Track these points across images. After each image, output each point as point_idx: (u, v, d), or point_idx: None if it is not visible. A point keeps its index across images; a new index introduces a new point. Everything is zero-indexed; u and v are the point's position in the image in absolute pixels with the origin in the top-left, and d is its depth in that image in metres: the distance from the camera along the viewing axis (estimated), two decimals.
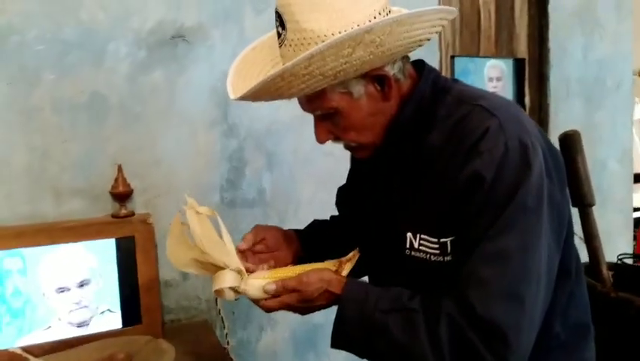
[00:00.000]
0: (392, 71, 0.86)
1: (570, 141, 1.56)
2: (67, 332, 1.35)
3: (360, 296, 0.85)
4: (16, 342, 1.30)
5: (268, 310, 0.91)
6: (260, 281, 0.90)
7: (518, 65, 2.47)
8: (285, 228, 1.13)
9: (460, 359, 0.76)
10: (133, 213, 1.48)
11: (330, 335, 0.89)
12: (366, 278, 1.05)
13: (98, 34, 1.48)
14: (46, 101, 1.43)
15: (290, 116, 1.72)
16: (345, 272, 0.95)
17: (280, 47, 0.85)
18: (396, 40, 0.78)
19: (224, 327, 1.29)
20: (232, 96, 0.89)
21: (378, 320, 0.82)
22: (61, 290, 1.35)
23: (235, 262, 0.91)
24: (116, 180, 1.46)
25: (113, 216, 1.46)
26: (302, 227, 1.19)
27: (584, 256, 1.41)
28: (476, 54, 2.33)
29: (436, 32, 0.87)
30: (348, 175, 1.19)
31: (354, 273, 1.00)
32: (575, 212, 1.26)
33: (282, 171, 1.78)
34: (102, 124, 1.50)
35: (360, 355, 0.90)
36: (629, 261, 1.73)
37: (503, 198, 0.78)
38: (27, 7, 1.39)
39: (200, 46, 1.61)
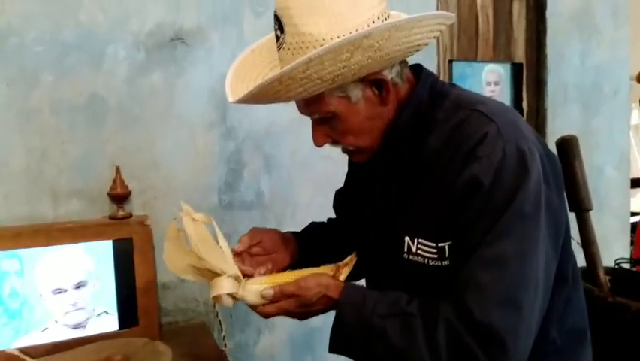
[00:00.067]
0: (390, 75, 0.86)
1: (568, 146, 1.57)
2: (63, 333, 1.35)
3: (358, 301, 0.85)
4: (12, 343, 1.30)
5: (266, 316, 0.91)
6: (257, 287, 0.90)
7: (516, 70, 2.48)
8: (283, 231, 1.13)
9: None
10: (131, 215, 1.48)
11: (327, 339, 0.89)
12: (363, 282, 1.05)
13: (97, 36, 1.48)
14: (45, 103, 1.43)
15: (288, 119, 1.72)
16: (342, 277, 0.96)
17: (279, 50, 0.85)
18: (394, 45, 0.78)
19: (221, 330, 1.30)
20: (230, 99, 0.89)
21: (376, 324, 0.82)
22: (58, 291, 1.35)
23: (232, 268, 0.91)
24: (114, 181, 1.46)
25: (111, 217, 1.46)
26: (299, 230, 1.19)
27: (581, 261, 1.42)
28: (474, 58, 2.34)
29: (434, 37, 0.88)
30: (346, 178, 1.19)
31: (351, 276, 1.00)
32: (572, 217, 1.26)
33: (280, 174, 1.78)
34: (101, 126, 1.50)
35: (357, 359, 0.90)
36: (627, 266, 1.74)
37: (501, 204, 0.78)
38: (26, 8, 1.39)
39: (199, 48, 1.62)
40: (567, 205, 0.95)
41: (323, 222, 1.23)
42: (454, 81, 2.26)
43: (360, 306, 0.84)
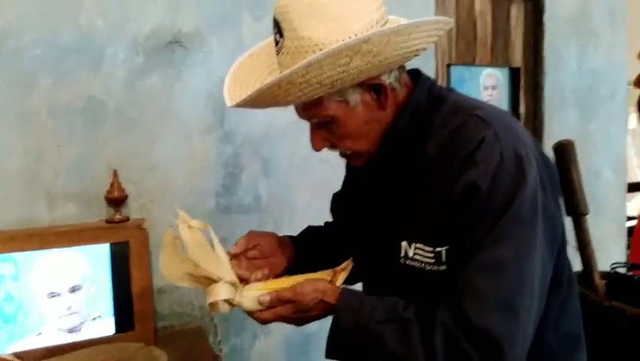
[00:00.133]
0: (388, 80, 0.86)
1: (564, 150, 1.57)
2: (58, 338, 1.34)
3: (355, 306, 0.85)
4: (7, 348, 1.29)
5: (263, 322, 0.90)
6: (254, 293, 0.90)
7: (514, 74, 2.49)
8: (281, 234, 1.13)
9: None
10: (127, 219, 1.47)
11: (323, 343, 0.89)
12: (360, 286, 1.05)
13: (96, 38, 1.48)
14: (42, 105, 1.43)
15: (286, 122, 1.72)
16: (339, 282, 0.95)
17: (277, 54, 0.85)
18: (393, 50, 0.78)
19: (217, 334, 1.29)
20: (229, 103, 0.89)
21: (374, 329, 0.81)
22: (52, 295, 1.35)
23: (229, 274, 0.91)
24: (112, 185, 1.45)
25: (108, 221, 1.46)
26: (297, 234, 1.19)
27: (577, 265, 1.42)
28: (472, 63, 2.35)
29: (433, 42, 0.88)
30: (344, 182, 1.19)
31: (348, 281, 1.00)
32: (568, 221, 1.26)
33: (278, 178, 1.78)
34: (98, 129, 1.50)
35: None
36: (622, 270, 1.74)
37: (499, 209, 0.78)
38: (24, 10, 1.39)
39: (198, 52, 1.62)
40: (563, 210, 0.95)
41: (320, 226, 1.23)
42: (452, 85, 2.27)
43: (357, 312, 0.84)
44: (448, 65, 2.28)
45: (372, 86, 0.85)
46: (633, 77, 1.84)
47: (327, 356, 0.88)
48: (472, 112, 0.86)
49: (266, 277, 0.96)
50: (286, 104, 0.84)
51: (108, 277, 1.40)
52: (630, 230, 2.85)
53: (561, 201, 0.92)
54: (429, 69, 2.11)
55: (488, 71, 2.40)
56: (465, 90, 2.32)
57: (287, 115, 0.99)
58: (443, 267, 0.85)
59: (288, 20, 0.80)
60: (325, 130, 0.89)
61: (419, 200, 0.87)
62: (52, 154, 1.45)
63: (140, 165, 1.55)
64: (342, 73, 0.77)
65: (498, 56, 2.42)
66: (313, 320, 0.90)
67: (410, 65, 0.92)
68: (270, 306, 0.88)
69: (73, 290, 1.37)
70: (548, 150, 1.32)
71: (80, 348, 1.31)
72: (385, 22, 0.83)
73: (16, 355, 1.28)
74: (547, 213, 0.82)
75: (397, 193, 0.92)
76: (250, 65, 0.97)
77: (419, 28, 0.80)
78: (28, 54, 1.40)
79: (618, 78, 2.75)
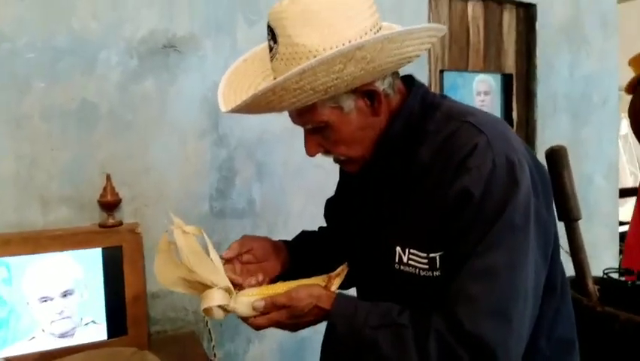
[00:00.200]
0: (382, 86, 0.87)
1: (557, 156, 1.58)
2: (51, 343, 1.34)
3: (350, 312, 0.85)
4: None
5: (257, 327, 0.90)
6: (248, 299, 0.90)
7: (506, 80, 2.50)
8: (275, 239, 1.13)
9: None
10: (121, 223, 1.47)
11: (317, 349, 0.89)
12: (354, 291, 1.05)
13: (90, 42, 1.48)
14: (36, 109, 1.42)
15: (280, 127, 1.72)
16: (334, 287, 0.96)
17: (272, 60, 0.85)
18: (386, 56, 0.79)
19: (211, 339, 1.29)
20: (223, 109, 0.89)
21: (368, 335, 0.82)
22: (44, 300, 1.34)
23: (223, 280, 0.91)
24: (105, 189, 1.45)
25: (101, 225, 1.45)
26: (291, 238, 1.19)
27: (570, 270, 1.43)
28: (465, 69, 2.36)
29: (426, 49, 0.88)
30: (337, 187, 1.19)
31: (342, 286, 1.00)
32: (561, 226, 1.27)
33: (272, 182, 1.78)
34: (92, 132, 1.49)
35: None
36: (615, 275, 1.74)
37: (491, 215, 0.78)
38: (18, 14, 1.39)
39: (192, 56, 1.62)
40: (556, 216, 0.95)
41: (314, 231, 1.23)
42: (446, 91, 2.28)
43: (351, 317, 0.84)
44: (441, 71, 2.29)
45: (366, 93, 0.86)
46: (625, 83, 1.85)
47: None
48: (464, 119, 0.86)
49: (260, 283, 0.96)
50: (280, 110, 0.84)
51: (101, 281, 1.39)
52: (623, 235, 2.87)
53: (553, 207, 0.93)
54: (422, 75, 2.13)
55: (481, 76, 2.42)
56: (458, 96, 2.35)
57: (281, 120, 0.99)
58: (437, 272, 0.85)
59: (282, 27, 0.80)
60: (319, 136, 0.89)
61: (413, 206, 0.88)
62: (46, 158, 1.44)
63: (133, 169, 1.55)
64: (336, 79, 0.77)
65: (490, 63, 2.44)
66: (308, 326, 0.90)
67: (404, 70, 0.93)
68: (265, 312, 0.88)
69: (65, 295, 1.36)
70: (541, 156, 1.33)
71: (73, 353, 1.30)
72: (379, 29, 0.84)
73: (8, 360, 1.27)
74: (540, 219, 0.83)
75: (391, 199, 0.92)
76: (244, 71, 0.97)
77: (412, 36, 0.81)
78: (21, 57, 1.40)
79: (610, 84, 2.78)
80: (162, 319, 1.61)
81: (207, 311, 0.91)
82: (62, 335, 1.36)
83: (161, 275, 0.95)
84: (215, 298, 0.90)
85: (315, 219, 1.25)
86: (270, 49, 0.85)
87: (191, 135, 1.64)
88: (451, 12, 2.29)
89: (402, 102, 0.91)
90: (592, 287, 1.61)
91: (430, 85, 2.23)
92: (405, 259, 0.88)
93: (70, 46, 1.45)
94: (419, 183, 0.87)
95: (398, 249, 0.89)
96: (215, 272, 0.91)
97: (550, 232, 0.88)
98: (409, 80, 0.95)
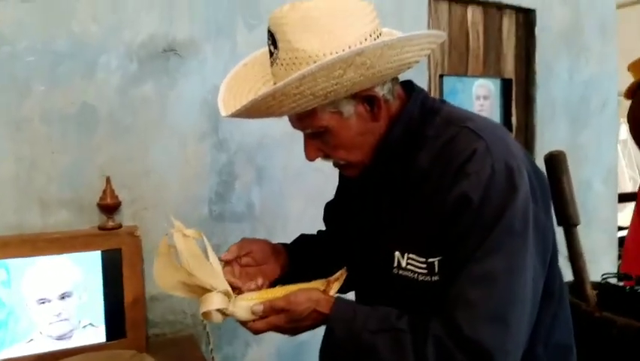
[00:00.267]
0: (382, 91, 0.87)
1: (555, 161, 1.58)
2: (49, 345, 1.34)
3: (349, 316, 0.85)
4: None
5: (256, 332, 0.90)
6: (247, 303, 0.90)
7: (505, 85, 2.51)
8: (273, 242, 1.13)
9: None
10: (120, 226, 1.47)
11: (316, 353, 0.89)
12: (352, 295, 1.06)
13: (90, 46, 1.48)
14: (36, 112, 1.43)
15: (280, 131, 1.73)
16: (332, 292, 0.96)
17: (272, 65, 0.86)
18: (386, 62, 0.79)
19: (209, 342, 1.29)
20: (223, 113, 0.89)
21: (366, 340, 0.82)
22: (42, 302, 1.34)
23: (222, 284, 0.91)
24: (104, 191, 1.45)
25: (100, 228, 1.45)
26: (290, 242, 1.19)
27: (568, 275, 1.43)
28: (464, 74, 2.37)
29: (425, 55, 0.89)
30: (336, 191, 1.19)
31: (340, 290, 1.00)
32: (559, 231, 1.27)
33: (271, 186, 1.78)
34: (92, 135, 1.50)
35: None
36: (614, 280, 1.75)
37: (490, 221, 0.79)
38: (19, 17, 1.39)
39: (192, 60, 1.62)
40: (554, 221, 0.96)
41: (313, 235, 1.23)
42: (445, 95, 2.28)
43: (350, 321, 0.84)
44: (441, 76, 2.30)
45: (366, 98, 0.86)
46: (624, 88, 1.86)
47: None
48: (463, 124, 0.87)
49: (260, 288, 0.96)
50: (280, 114, 0.85)
51: (100, 284, 1.39)
52: (621, 240, 2.88)
53: (552, 212, 0.93)
54: (422, 79, 2.13)
55: (480, 81, 2.43)
56: (457, 100, 2.35)
57: (281, 124, 1.00)
58: (436, 277, 0.85)
59: (283, 32, 0.81)
60: (319, 140, 0.90)
61: (412, 211, 0.88)
62: (46, 160, 1.44)
63: (133, 172, 1.55)
64: (336, 85, 0.78)
65: (490, 68, 2.45)
66: (306, 330, 0.90)
67: (404, 75, 0.94)
68: (264, 316, 0.89)
69: (63, 297, 1.36)
70: (540, 161, 1.33)
71: (71, 355, 1.31)
72: (379, 35, 0.84)
73: None
74: (539, 225, 0.83)
75: (390, 204, 0.93)
76: (244, 75, 0.97)
77: (412, 42, 0.81)
78: (22, 61, 1.40)
79: (609, 89, 2.78)
80: (161, 322, 1.61)
81: (206, 315, 0.91)
82: (60, 338, 1.35)
83: (161, 279, 0.95)
84: (214, 301, 0.90)
85: (314, 223, 1.25)
86: (271, 54, 0.85)
87: (191, 139, 1.64)
88: (450, 17, 2.30)
89: (401, 107, 0.92)
90: (590, 292, 1.61)
91: (430, 89, 2.24)
92: (403, 264, 0.89)
93: (70, 49, 1.46)
94: (418, 188, 0.87)
95: (397, 254, 0.90)
96: (215, 276, 0.91)
97: (548, 238, 0.88)
98: (408, 86, 0.95)
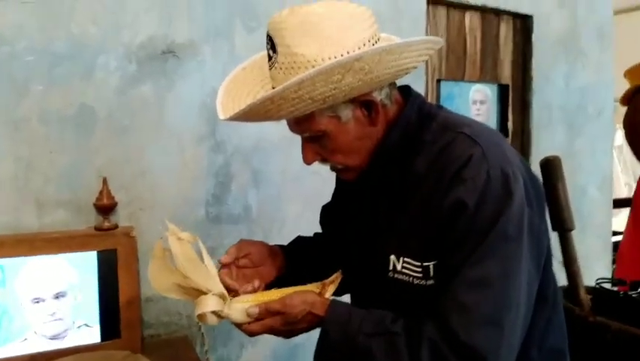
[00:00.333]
0: (379, 96, 0.88)
1: (551, 167, 1.59)
2: (43, 344, 1.33)
3: (344, 318, 0.85)
4: None
5: (251, 334, 0.90)
6: (242, 305, 0.90)
7: (502, 91, 2.52)
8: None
9: None
10: (116, 226, 1.47)
11: (311, 355, 0.89)
12: (347, 298, 1.06)
13: (89, 47, 1.48)
14: (34, 112, 1.43)
15: (277, 134, 1.73)
16: (328, 294, 0.96)
17: (270, 69, 0.86)
18: (384, 68, 0.80)
19: (204, 344, 1.29)
20: (221, 116, 0.90)
21: (361, 343, 0.82)
22: (37, 301, 1.34)
23: (218, 286, 0.91)
24: (101, 192, 1.45)
25: (96, 228, 1.45)
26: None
27: (562, 280, 1.44)
28: (461, 79, 2.38)
29: (423, 61, 0.90)
30: (333, 195, 1.20)
31: (335, 292, 1.00)
32: (554, 236, 1.28)
33: (268, 189, 1.79)
34: (89, 136, 1.50)
35: None
36: (608, 285, 1.76)
37: (485, 226, 0.79)
38: (18, 18, 1.39)
39: (191, 61, 1.62)
40: (549, 226, 0.96)
41: (310, 237, 1.24)
42: (442, 100, 2.29)
43: (345, 324, 0.84)
44: (438, 80, 2.31)
45: (364, 103, 0.87)
46: (620, 94, 1.87)
47: None
48: (460, 130, 0.87)
49: (256, 290, 0.97)
50: (278, 118, 0.85)
51: (95, 284, 1.39)
52: (616, 245, 2.89)
53: (547, 218, 0.94)
54: (419, 84, 2.14)
55: (477, 86, 2.44)
56: (454, 105, 2.36)
57: (278, 127, 1.00)
58: (431, 281, 0.86)
59: (281, 36, 0.81)
60: (317, 144, 0.90)
61: (408, 215, 0.89)
62: (43, 161, 1.44)
63: (130, 173, 1.55)
64: (335, 89, 0.78)
65: (487, 73, 2.46)
66: (301, 333, 0.90)
67: (401, 79, 0.94)
68: (259, 318, 0.89)
69: (57, 297, 1.36)
70: (535, 166, 1.34)
71: (65, 355, 1.30)
72: (377, 40, 0.85)
73: None
74: (533, 230, 0.84)
75: (387, 208, 0.93)
76: (243, 79, 0.98)
77: (410, 48, 0.82)
78: (20, 61, 1.40)
79: (605, 96, 2.80)
80: (156, 323, 1.61)
81: (201, 317, 0.91)
82: (54, 337, 1.35)
83: (156, 281, 0.95)
84: (209, 304, 0.90)
85: (310, 226, 1.25)
86: (269, 58, 0.86)
87: (189, 141, 1.64)
88: (448, 22, 2.31)
89: (399, 112, 0.92)
90: (584, 297, 1.62)
91: (427, 94, 2.25)
92: (399, 268, 0.89)
93: (69, 50, 1.46)
94: (415, 193, 0.88)
95: (392, 257, 0.90)
96: (210, 279, 0.91)
97: (543, 243, 0.89)
98: (405, 91, 0.96)
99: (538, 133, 2.55)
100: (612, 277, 2.02)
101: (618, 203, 3.22)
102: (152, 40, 1.56)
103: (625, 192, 5.34)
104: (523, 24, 2.53)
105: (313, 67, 0.78)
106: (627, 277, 1.73)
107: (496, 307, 0.78)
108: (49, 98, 1.44)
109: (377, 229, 0.94)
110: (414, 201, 0.88)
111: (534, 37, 2.50)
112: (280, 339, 0.94)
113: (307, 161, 0.93)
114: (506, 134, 2.49)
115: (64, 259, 1.36)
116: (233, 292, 0.94)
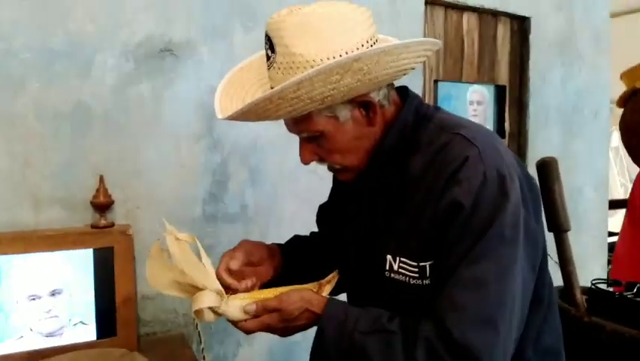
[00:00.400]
0: (377, 97, 0.88)
1: (547, 168, 1.60)
2: (40, 342, 1.33)
3: (340, 316, 0.86)
4: None
5: (248, 331, 0.91)
6: (240, 302, 0.90)
7: (499, 92, 2.53)
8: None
9: None
10: (113, 224, 1.47)
11: (307, 353, 0.89)
12: (344, 297, 1.06)
13: (86, 44, 1.48)
14: (30, 109, 1.42)
15: (275, 132, 1.73)
16: (324, 294, 0.96)
17: (269, 69, 0.86)
18: (383, 68, 0.80)
19: (200, 341, 1.29)
20: (220, 116, 0.90)
21: (357, 340, 0.82)
22: (33, 298, 1.33)
23: (215, 284, 0.92)
24: (97, 190, 1.45)
25: (93, 226, 1.45)
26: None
27: (558, 280, 1.44)
28: (459, 79, 2.39)
29: (421, 62, 0.90)
30: (330, 194, 1.20)
31: (332, 291, 1.01)
32: (550, 237, 1.29)
33: (265, 187, 1.79)
34: (86, 134, 1.49)
35: None
36: (603, 286, 1.77)
37: (481, 227, 0.80)
38: (15, 15, 1.39)
39: (188, 60, 1.62)
40: (544, 227, 0.97)
41: (306, 236, 1.24)
42: (439, 100, 2.30)
43: (342, 322, 0.85)
44: (436, 81, 2.31)
45: (362, 103, 0.87)
46: (616, 96, 1.88)
47: None
48: (456, 131, 0.87)
49: (252, 287, 0.97)
50: (277, 118, 0.85)
51: (91, 282, 1.39)
52: (611, 246, 2.91)
53: (543, 219, 0.94)
54: (417, 84, 2.15)
55: (475, 87, 2.45)
56: (451, 105, 2.37)
57: (275, 126, 1.00)
58: (427, 281, 0.86)
59: (280, 36, 0.81)
60: (314, 144, 0.91)
61: (405, 216, 0.89)
62: (40, 158, 1.44)
63: (127, 171, 1.55)
64: (333, 90, 0.79)
65: (484, 74, 2.47)
66: (298, 331, 0.90)
67: (399, 80, 0.94)
68: (256, 315, 0.89)
69: (53, 294, 1.35)
70: (532, 167, 1.35)
71: (62, 353, 1.30)
72: (375, 41, 0.85)
73: None
74: (529, 231, 0.84)
75: (384, 208, 0.93)
76: (241, 78, 0.98)
77: (408, 49, 0.82)
78: (17, 57, 1.40)
79: (602, 98, 2.81)
80: (152, 321, 1.61)
81: (198, 313, 0.91)
82: (50, 335, 1.35)
83: (153, 279, 0.95)
84: (207, 300, 0.90)
85: (307, 225, 1.25)
86: (268, 58, 0.86)
87: (186, 139, 1.64)
88: (446, 24, 2.32)
89: (396, 113, 0.93)
90: (580, 298, 1.63)
91: (425, 94, 2.25)
92: (395, 267, 0.89)
93: (66, 48, 1.45)
94: (411, 194, 0.88)
95: (389, 257, 0.90)
96: (207, 277, 0.92)
97: (538, 244, 0.89)
98: (403, 91, 0.96)
99: (534, 134, 2.56)
100: (608, 277, 2.03)
101: (614, 204, 3.24)
102: (150, 38, 1.56)
103: (621, 193, 5.37)
104: (521, 26, 2.54)
105: (312, 67, 0.78)
106: (623, 278, 1.74)
107: (492, 307, 0.79)
108: (45, 96, 1.43)
109: (374, 229, 0.95)
110: (411, 201, 0.88)
111: (531, 38, 2.51)
112: (277, 337, 0.95)
113: (305, 161, 0.93)
114: (503, 135, 2.50)
115: (60, 257, 1.35)
116: (230, 291, 0.94)
